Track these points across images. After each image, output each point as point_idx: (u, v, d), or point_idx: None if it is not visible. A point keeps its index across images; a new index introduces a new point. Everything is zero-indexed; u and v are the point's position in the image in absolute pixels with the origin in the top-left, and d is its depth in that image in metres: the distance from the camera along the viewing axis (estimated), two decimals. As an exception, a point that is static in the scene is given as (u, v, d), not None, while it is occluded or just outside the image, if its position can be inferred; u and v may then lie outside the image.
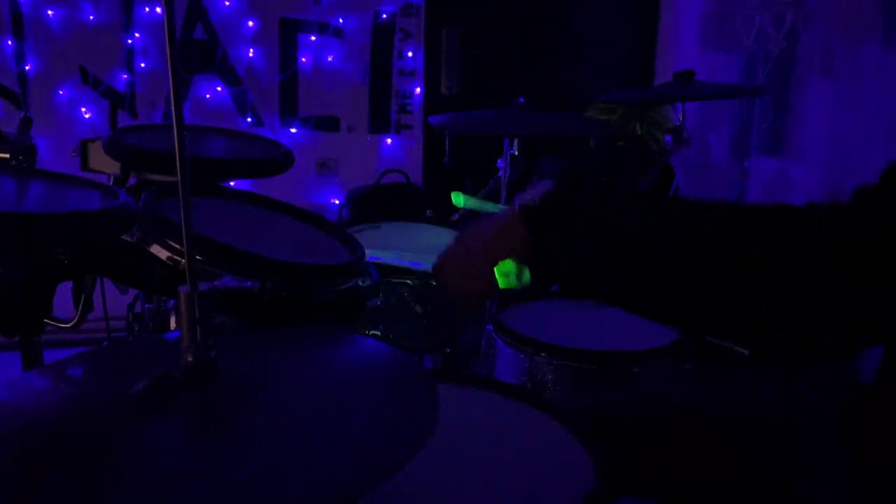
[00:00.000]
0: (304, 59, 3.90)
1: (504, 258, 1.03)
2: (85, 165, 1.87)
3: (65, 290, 1.19)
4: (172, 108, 0.74)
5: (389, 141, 4.05)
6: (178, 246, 1.07)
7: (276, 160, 1.65)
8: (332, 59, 3.93)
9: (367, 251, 1.29)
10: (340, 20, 3.91)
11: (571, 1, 4.09)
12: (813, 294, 0.83)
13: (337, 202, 3.97)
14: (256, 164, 1.68)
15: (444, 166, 3.11)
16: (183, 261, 1.04)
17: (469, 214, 2.58)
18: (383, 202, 3.73)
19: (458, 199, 1.08)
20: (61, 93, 3.62)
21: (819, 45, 2.92)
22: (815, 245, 0.84)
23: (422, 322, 1.89)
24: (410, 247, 2.14)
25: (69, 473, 0.65)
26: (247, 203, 1.41)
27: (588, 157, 3.53)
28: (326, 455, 0.68)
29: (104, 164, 1.79)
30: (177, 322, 0.79)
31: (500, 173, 2.38)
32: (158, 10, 3.67)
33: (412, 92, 4.04)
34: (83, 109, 3.66)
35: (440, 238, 2.19)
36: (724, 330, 1.00)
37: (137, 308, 2.08)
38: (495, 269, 1.04)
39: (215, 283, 1.04)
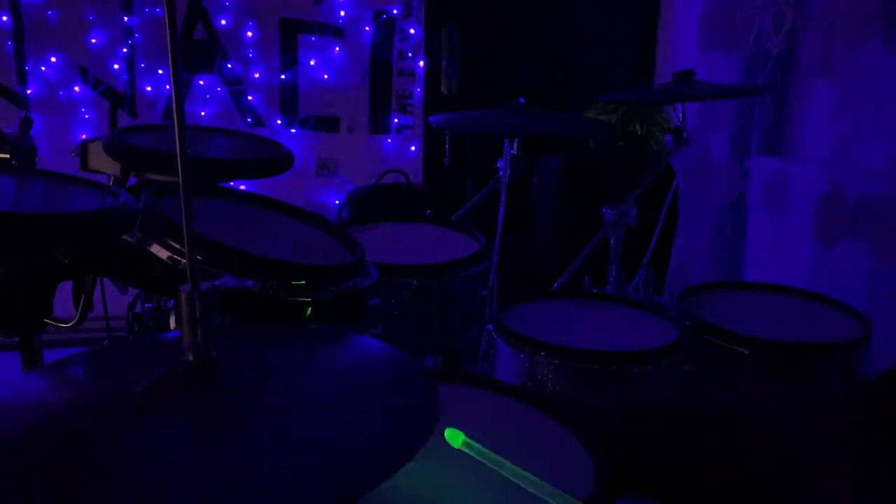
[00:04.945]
0: (304, 59, 3.90)
1: None
2: (85, 165, 1.87)
3: (65, 290, 1.19)
4: (173, 108, 0.74)
5: (389, 141, 4.05)
6: (178, 246, 1.07)
7: (277, 160, 1.65)
8: (332, 59, 3.93)
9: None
10: (340, 20, 3.91)
11: (571, 1, 4.10)
12: None
13: (337, 202, 3.97)
14: (256, 164, 1.68)
15: (444, 166, 3.11)
16: (183, 260, 1.04)
17: (469, 215, 2.58)
18: (383, 202, 3.73)
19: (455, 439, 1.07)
20: (61, 93, 3.62)
21: (819, 45, 2.91)
22: None
23: (422, 322, 1.89)
24: (410, 247, 2.14)
25: (69, 473, 0.65)
26: (247, 203, 1.41)
27: (588, 157, 3.53)
28: (326, 455, 0.68)
29: (104, 164, 1.79)
30: (177, 322, 0.79)
31: (500, 173, 2.39)
32: (159, 10, 3.67)
33: (412, 92, 4.04)
34: (83, 110, 3.66)
35: (440, 238, 2.19)
36: None
37: (137, 308, 2.08)
38: None
39: (215, 283, 1.04)
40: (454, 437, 1.04)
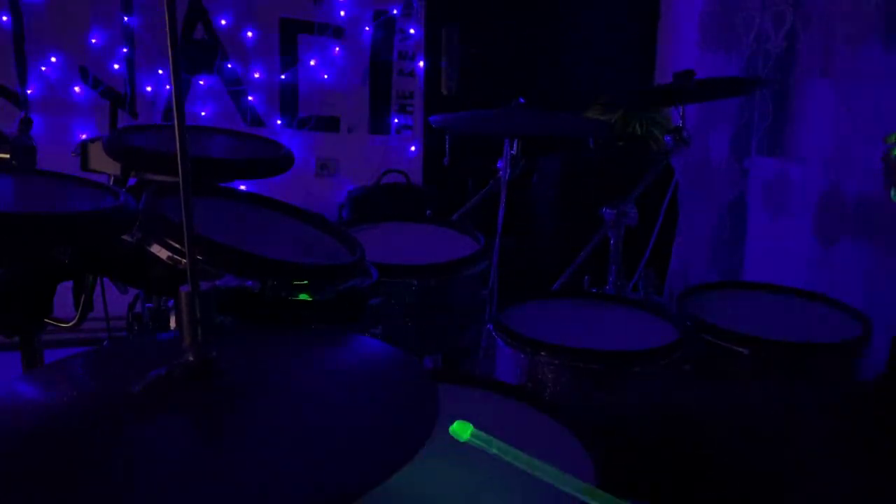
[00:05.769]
0: (304, 59, 3.90)
1: None
2: (85, 165, 1.88)
3: (65, 290, 1.19)
4: (174, 108, 0.74)
5: (389, 141, 4.06)
6: (178, 246, 1.07)
7: (276, 160, 1.65)
8: (332, 59, 3.93)
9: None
10: (340, 20, 3.91)
11: (571, 1, 4.10)
12: None
13: (337, 202, 3.97)
14: (256, 164, 1.68)
15: (444, 166, 3.11)
16: (183, 260, 1.04)
17: (469, 214, 2.58)
18: (383, 202, 3.73)
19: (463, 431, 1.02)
20: (61, 93, 3.62)
21: (819, 45, 2.91)
22: None
23: (422, 322, 1.89)
24: (410, 247, 2.14)
25: (69, 473, 0.65)
26: (247, 203, 1.41)
27: (588, 157, 3.53)
28: (326, 455, 0.68)
29: (104, 164, 1.79)
30: (177, 322, 0.79)
31: (500, 173, 2.38)
32: (159, 9, 3.67)
33: (412, 92, 4.04)
34: (83, 110, 3.66)
35: (440, 238, 2.19)
36: None
37: (137, 308, 2.08)
38: None
39: (215, 283, 1.04)
40: (462, 430, 1.00)
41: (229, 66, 3.82)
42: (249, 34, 3.82)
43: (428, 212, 2.38)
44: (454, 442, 1.09)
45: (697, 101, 3.02)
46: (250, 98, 3.87)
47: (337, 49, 3.93)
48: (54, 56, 3.59)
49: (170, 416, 0.73)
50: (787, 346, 1.68)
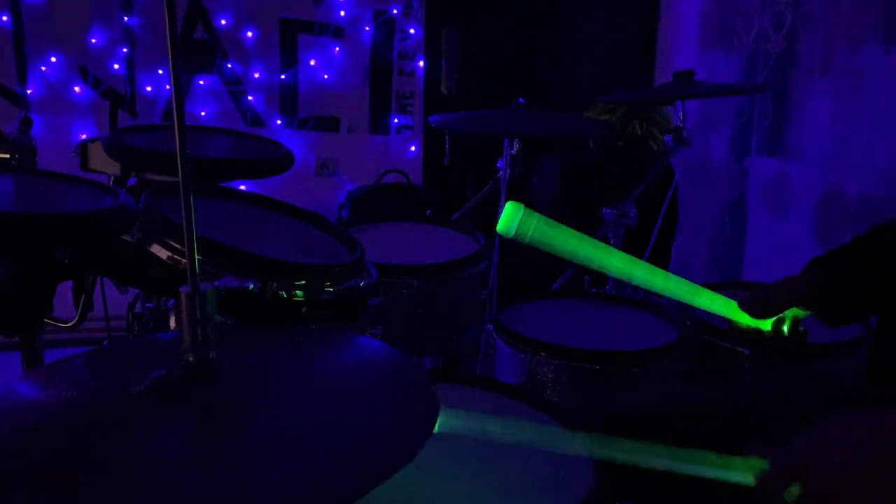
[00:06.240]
0: (304, 59, 3.91)
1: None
2: (85, 165, 1.88)
3: (65, 290, 1.19)
4: (174, 108, 0.74)
5: (389, 141, 4.06)
6: (178, 246, 1.07)
7: (276, 160, 1.65)
8: (332, 59, 3.94)
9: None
10: (340, 20, 3.92)
11: (571, 1, 4.10)
12: None
13: (337, 202, 3.97)
14: (256, 164, 1.68)
15: (444, 166, 3.11)
16: (183, 260, 1.04)
17: (469, 214, 2.58)
18: (383, 202, 3.73)
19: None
20: (61, 93, 3.62)
21: (819, 45, 2.92)
22: None
23: (422, 322, 1.89)
24: (410, 247, 2.14)
25: (69, 473, 0.65)
26: (247, 203, 1.41)
27: (588, 157, 3.53)
28: (326, 455, 0.68)
29: (104, 164, 1.79)
30: (177, 322, 0.79)
31: (500, 173, 2.38)
32: (159, 10, 3.67)
33: (412, 92, 4.04)
34: (83, 110, 3.66)
35: (440, 238, 2.19)
36: None
37: (137, 308, 2.08)
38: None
39: (216, 283, 1.04)
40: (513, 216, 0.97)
41: (229, 66, 3.82)
42: (249, 34, 3.82)
43: (428, 212, 2.38)
44: (454, 442, 1.09)
45: (697, 97, 3.02)
46: (250, 98, 3.87)
47: (337, 49, 3.93)
48: (54, 56, 3.59)
49: (170, 416, 0.73)
50: (787, 346, 1.68)
